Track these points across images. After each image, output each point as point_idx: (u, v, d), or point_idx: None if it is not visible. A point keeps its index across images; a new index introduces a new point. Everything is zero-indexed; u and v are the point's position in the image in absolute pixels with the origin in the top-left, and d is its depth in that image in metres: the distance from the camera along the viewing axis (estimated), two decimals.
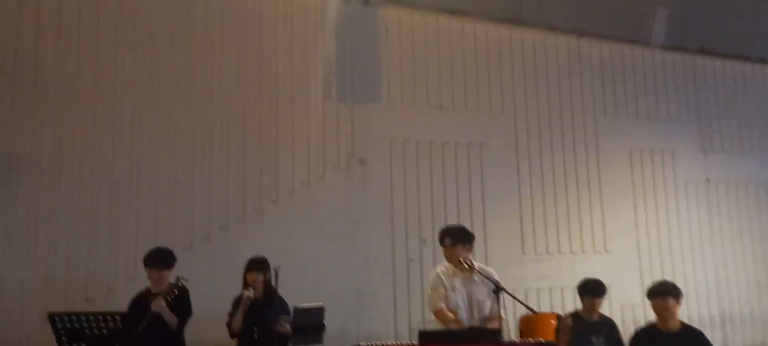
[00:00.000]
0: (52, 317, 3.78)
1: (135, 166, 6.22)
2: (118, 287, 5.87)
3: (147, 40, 6.43)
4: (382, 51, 7.07)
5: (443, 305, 4.22)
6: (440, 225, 5.20)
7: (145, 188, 6.21)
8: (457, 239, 4.33)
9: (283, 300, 4.55)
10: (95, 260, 5.97)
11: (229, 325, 4.48)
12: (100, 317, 3.75)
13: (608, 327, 4.50)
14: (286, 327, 4.11)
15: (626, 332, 4.88)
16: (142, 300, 4.46)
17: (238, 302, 4.51)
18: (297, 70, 6.80)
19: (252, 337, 4.20)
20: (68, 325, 3.73)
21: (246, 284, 4.44)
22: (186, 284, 4.15)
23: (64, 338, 3.77)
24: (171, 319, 4.19)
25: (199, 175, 6.36)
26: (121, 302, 5.19)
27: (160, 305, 4.09)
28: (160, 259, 4.48)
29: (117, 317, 3.76)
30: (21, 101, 6.03)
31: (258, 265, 4.51)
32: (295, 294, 4.84)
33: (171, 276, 4.57)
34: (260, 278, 4.46)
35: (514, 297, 4.10)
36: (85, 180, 6.08)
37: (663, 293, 4.03)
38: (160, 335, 4.19)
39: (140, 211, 6.15)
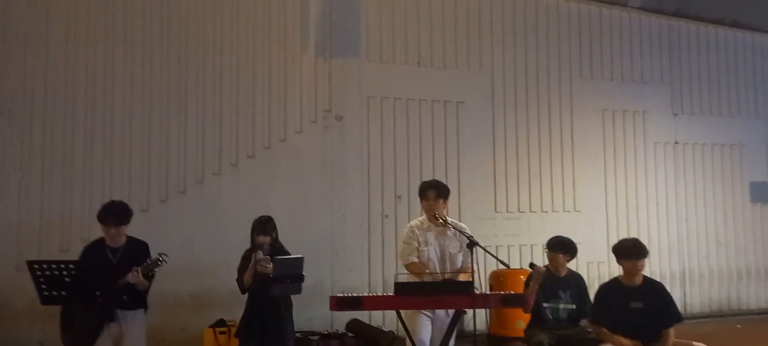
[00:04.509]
0: (31, 265, 3.73)
1: (108, 116, 6.13)
2: (92, 237, 5.74)
3: None
4: (361, 5, 6.99)
5: (415, 259, 4.30)
6: (416, 182, 5.25)
7: (119, 138, 6.14)
8: (440, 193, 4.37)
9: (285, 253, 4.50)
10: (69, 210, 5.93)
11: (239, 281, 4.45)
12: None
13: (575, 281, 4.64)
14: (267, 268, 4.10)
15: (592, 287, 5.07)
16: (95, 253, 4.18)
17: (246, 257, 4.45)
18: (274, 22, 6.70)
19: (261, 292, 4.17)
20: (48, 272, 3.68)
21: (254, 245, 4.34)
22: (166, 259, 3.99)
23: (43, 286, 3.73)
24: (143, 285, 4.05)
25: (175, 127, 6.31)
26: None
27: (137, 279, 3.94)
28: (117, 216, 4.13)
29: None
30: None
31: (263, 227, 4.41)
32: None
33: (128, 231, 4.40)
34: (268, 239, 4.38)
35: (488, 252, 4.20)
36: (57, 127, 5.98)
37: (638, 256, 4.17)
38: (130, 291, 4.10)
39: (114, 162, 6.10)
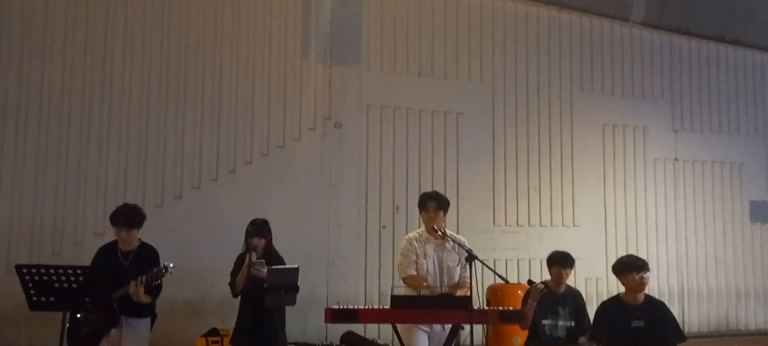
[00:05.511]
0: (20, 269, 3.65)
1: (105, 118, 6.06)
2: (85, 242, 5.78)
3: None
4: (363, 13, 6.95)
5: (413, 271, 4.25)
6: (414, 193, 5.21)
7: (115, 141, 6.07)
8: (440, 205, 4.33)
9: (278, 258, 4.43)
10: (62, 214, 5.85)
11: (231, 284, 4.36)
12: (70, 271, 3.61)
13: (574, 298, 4.60)
14: (262, 272, 4.03)
15: (590, 303, 5.02)
16: (108, 255, 4.22)
17: (239, 260, 4.37)
18: (275, 28, 6.66)
19: (255, 297, 4.08)
20: (37, 277, 3.60)
21: (248, 247, 4.26)
22: (172, 270, 3.90)
23: (32, 291, 3.65)
24: (144, 300, 3.96)
25: (172, 131, 6.24)
26: (88, 257, 5.10)
27: (138, 294, 3.84)
28: (128, 219, 4.15)
29: (87, 270, 3.64)
30: None
31: (259, 230, 4.32)
32: None
33: (140, 235, 4.37)
34: (262, 242, 4.31)
35: (487, 266, 4.15)
36: (52, 128, 5.91)
37: (642, 270, 4.13)
38: (131, 300, 4.03)
39: (110, 166, 6.03)
